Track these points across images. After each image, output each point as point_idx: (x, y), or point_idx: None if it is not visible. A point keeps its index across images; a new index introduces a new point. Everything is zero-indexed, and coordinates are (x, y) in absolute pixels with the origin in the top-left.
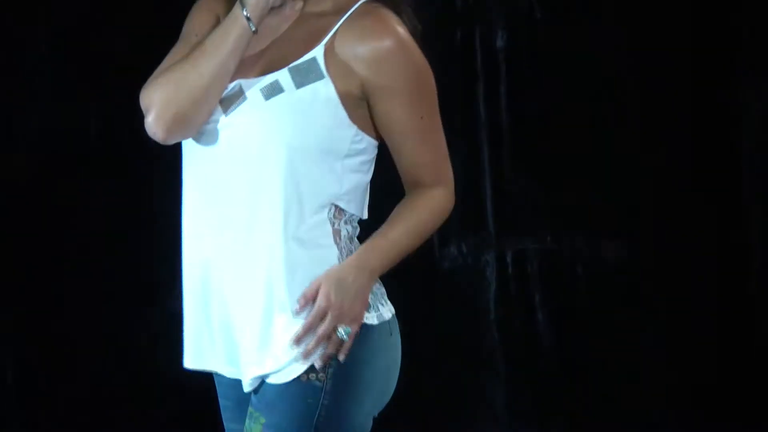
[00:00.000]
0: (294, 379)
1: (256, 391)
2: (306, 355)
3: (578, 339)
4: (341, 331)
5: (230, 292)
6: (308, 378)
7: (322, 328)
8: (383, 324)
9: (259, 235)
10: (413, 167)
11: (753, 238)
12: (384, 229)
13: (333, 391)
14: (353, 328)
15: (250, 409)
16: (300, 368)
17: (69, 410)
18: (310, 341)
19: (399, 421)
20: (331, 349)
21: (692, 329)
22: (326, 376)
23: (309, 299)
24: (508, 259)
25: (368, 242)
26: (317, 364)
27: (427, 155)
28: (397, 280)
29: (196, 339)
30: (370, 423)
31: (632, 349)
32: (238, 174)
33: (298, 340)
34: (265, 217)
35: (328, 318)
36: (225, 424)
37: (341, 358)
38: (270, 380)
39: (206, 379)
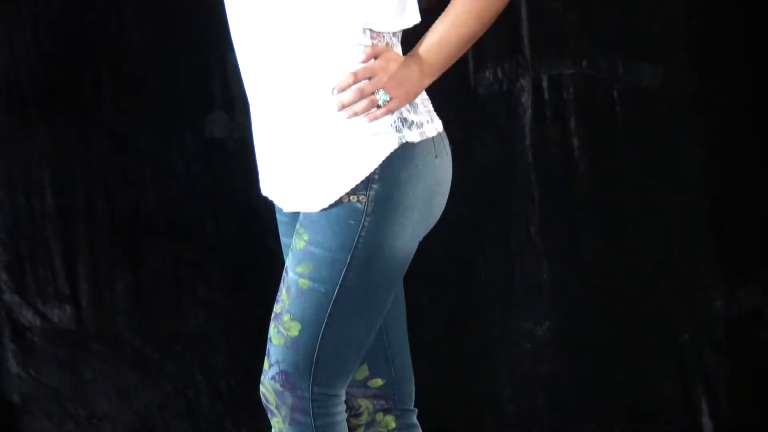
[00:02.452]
0: (336, 201)
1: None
2: (340, 107)
3: (614, 164)
4: (381, 94)
5: (274, 126)
6: (349, 200)
7: (365, 84)
8: (426, 142)
9: (291, 68)
10: None
11: None
12: (437, 25)
13: (374, 213)
14: (392, 104)
15: (297, 226)
16: (342, 190)
17: None
18: (351, 96)
19: (430, 245)
20: (363, 106)
21: (731, 148)
22: (367, 199)
23: (359, 78)
24: (544, 85)
25: (422, 40)
26: (347, 113)
27: None
28: (433, 104)
29: (261, 169)
30: (415, 246)
31: (668, 171)
32: (262, 15)
33: (341, 89)
34: (294, 55)
35: (375, 78)
36: (281, 238)
37: (368, 119)
38: (315, 205)
39: None
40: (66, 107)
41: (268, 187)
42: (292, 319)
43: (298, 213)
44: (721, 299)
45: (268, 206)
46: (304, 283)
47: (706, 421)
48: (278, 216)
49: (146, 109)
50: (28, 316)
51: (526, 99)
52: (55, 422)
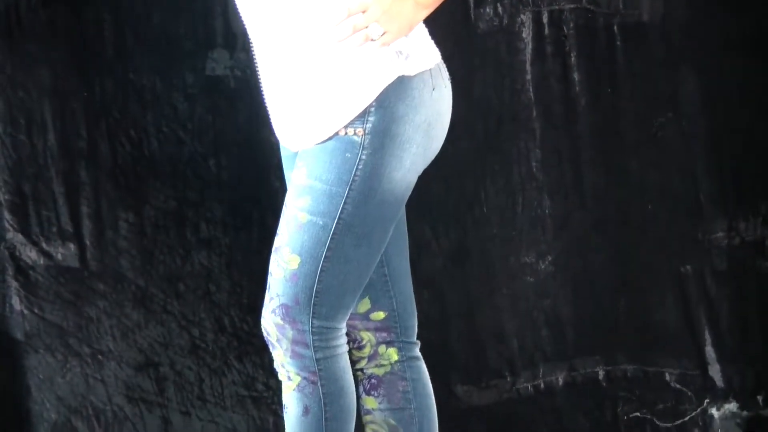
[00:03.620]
0: (333, 134)
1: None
2: (334, 41)
3: (614, 99)
4: (375, 27)
5: (273, 64)
6: (346, 133)
7: (359, 18)
8: (423, 74)
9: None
10: None
11: None
12: None
13: (371, 146)
14: (386, 37)
15: (296, 160)
16: (338, 124)
17: None
18: (347, 28)
19: (432, 180)
20: (357, 40)
21: (731, 80)
22: (364, 131)
23: (352, 12)
24: (544, 20)
25: None
26: (345, 43)
27: None
28: (434, 40)
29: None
30: (414, 179)
31: (668, 104)
32: None
33: (335, 24)
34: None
35: (368, 12)
36: (285, 172)
37: (362, 53)
38: (313, 139)
39: None
40: (67, 46)
41: (275, 125)
42: (292, 252)
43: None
44: (722, 231)
45: (271, 143)
46: (303, 216)
47: (710, 351)
48: (282, 151)
49: (147, 47)
50: (31, 255)
51: (526, 34)
52: (59, 359)
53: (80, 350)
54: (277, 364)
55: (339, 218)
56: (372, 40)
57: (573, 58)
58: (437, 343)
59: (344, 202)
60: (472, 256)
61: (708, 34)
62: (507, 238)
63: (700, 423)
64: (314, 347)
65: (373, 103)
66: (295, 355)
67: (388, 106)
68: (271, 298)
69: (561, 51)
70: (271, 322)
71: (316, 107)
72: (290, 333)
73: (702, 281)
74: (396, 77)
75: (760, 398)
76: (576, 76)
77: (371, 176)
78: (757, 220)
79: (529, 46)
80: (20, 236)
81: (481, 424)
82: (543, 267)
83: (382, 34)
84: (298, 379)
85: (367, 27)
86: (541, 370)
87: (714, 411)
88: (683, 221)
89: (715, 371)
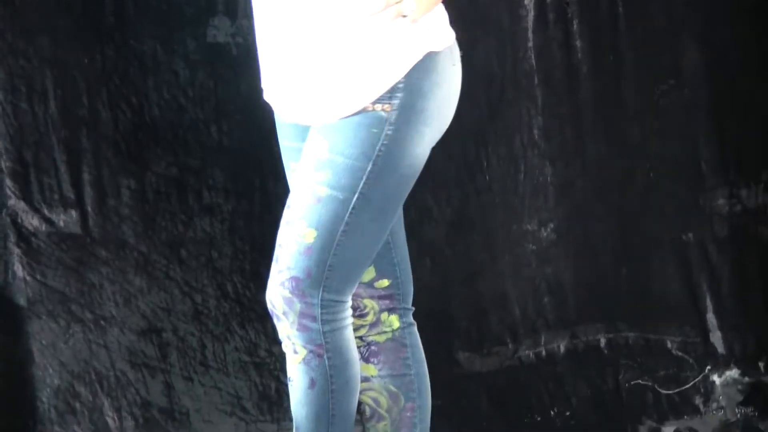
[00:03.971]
0: (360, 110)
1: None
2: (365, 16)
3: (616, 66)
4: (408, 3)
5: (288, 34)
6: (374, 108)
7: None
8: (446, 50)
9: None
10: None
11: None
12: None
13: (397, 122)
14: (417, 13)
15: (312, 133)
16: (367, 99)
17: None
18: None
19: (435, 148)
20: (390, 15)
21: (733, 47)
22: (391, 107)
23: None
24: None
25: None
26: (377, 18)
27: None
28: None
29: (265, 76)
30: (428, 154)
31: (670, 71)
32: None
33: None
34: None
35: None
36: (280, 141)
37: (388, 20)
38: (337, 114)
39: None
40: (68, 14)
41: (272, 95)
42: (308, 226)
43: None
44: (723, 198)
45: (271, 111)
46: (322, 190)
47: (711, 318)
48: (277, 120)
49: (148, 14)
50: (33, 222)
51: (528, 1)
52: (62, 325)
53: (83, 316)
54: (282, 336)
55: (360, 193)
56: (404, 16)
57: (575, 26)
58: (439, 310)
59: (366, 177)
60: (474, 223)
61: (710, 3)
62: (509, 205)
63: (702, 390)
64: (321, 320)
65: (402, 79)
66: (302, 328)
67: (416, 82)
68: (280, 271)
69: (563, 18)
70: (278, 294)
71: (343, 82)
72: (298, 306)
73: (703, 248)
74: (425, 53)
75: (761, 364)
76: (578, 43)
77: (394, 151)
78: (759, 187)
79: (531, 14)
80: (22, 203)
81: (482, 391)
82: (545, 234)
83: (414, 10)
84: (304, 352)
85: (399, 2)
86: (543, 338)
87: (715, 378)
88: (685, 189)
89: (716, 338)
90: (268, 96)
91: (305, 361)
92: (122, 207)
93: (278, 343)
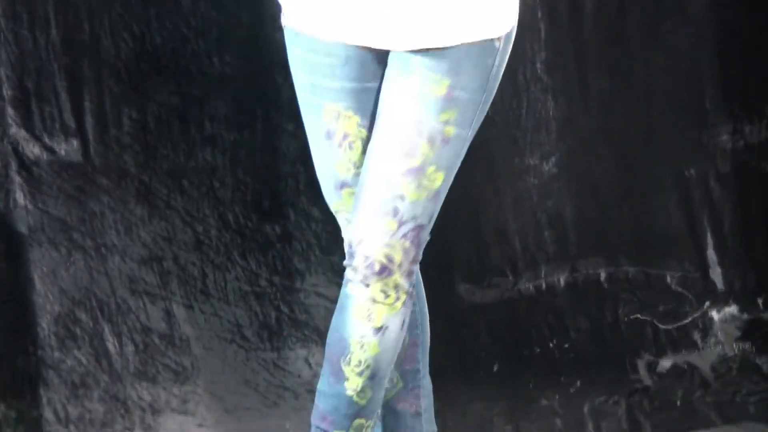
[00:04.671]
0: (485, 39)
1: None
2: None
3: (620, 2)
4: None
5: None
6: (492, 39)
7: None
8: None
9: None
10: None
11: None
12: None
13: (503, 52)
14: None
15: (418, 70)
16: (495, 31)
17: None
18: None
19: None
20: None
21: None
22: (502, 37)
23: None
24: None
25: None
26: None
27: None
28: None
29: None
30: None
31: (674, 6)
32: None
33: None
34: None
35: None
36: (311, 101)
37: None
38: (455, 40)
39: None
40: None
41: (323, 15)
42: (437, 170)
43: (353, 53)
44: (727, 134)
45: (275, 40)
46: (449, 130)
47: (711, 254)
48: (308, 53)
49: None
50: (34, 150)
51: None
52: (63, 253)
53: (84, 244)
54: (387, 288)
55: (472, 127)
56: None
57: None
58: (440, 243)
59: (479, 110)
60: (475, 156)
61: None
62: (511, 139)
63: (700, 325)
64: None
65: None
66: (410, 273)
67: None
68: (403, 222)
69: None
70: (398, 248)
71: (477, 7)
72: (413, 253)
73: (705, 184)
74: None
75: (760, 301)
76: None
77: (494, 84)
78: (762, 122)
79: None
80: (23, 131)
81: (481, 323)
82: (547, 168)
83: None
84: (404, 297)
85: None
86: (543, 271)
87: (714, 314)
88: (688, 125)
89: (716, 274)
90: (299, 20)
91: (405, 305)
92: (123, 136)
93: (278, 273)
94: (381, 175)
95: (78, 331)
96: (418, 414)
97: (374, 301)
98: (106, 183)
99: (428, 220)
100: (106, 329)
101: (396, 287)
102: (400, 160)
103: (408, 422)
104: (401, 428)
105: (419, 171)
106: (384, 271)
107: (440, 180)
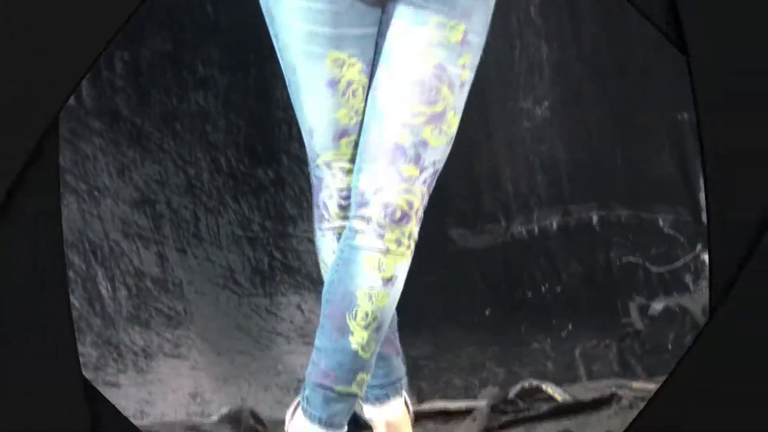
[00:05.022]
0: None
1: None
2: None
3: None
4: None
5: None
6: None
7: None
8: None
9: None
10: None
11: None
12: None
13: None
14: None
15: (434, 19)
16: None
17: None
18: None
19: None
20: None
21: None
22: None
23: None
24: None
25: None
26: None
27: None
28: None
29: None
30: None
31: None
32: None
33: None
34: None
35: None
36: (311, 50)
37: None
38: None
39: None
40: None
41: None
42: (456, 114)
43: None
44: None
45: None
46: (465, 74)
47: (703, 198)
48: (317, 4)
49: None
50: None
51: None
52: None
53: (77, 186)
54: (402, 237)
55: (475, 69)
56: None
57: None
58: (433, 188)
59: (481, 52)
60: (468, 99)
61: None
62: (504, 82)
63: (692, 268)
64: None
65: None
66: (420, 220)
67: None
68: (424, 168)
69: None
70: (418, 195)
71: None
72: (426, 198)
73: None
74: None
75: None
76: None
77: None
78: None
79: None
80: None
81: (474, 268)
82: (540, 113)
83: None
84: (413, 245)
85: None
86: (536, 215)
87: (705, 257)
88: (681, 70)
89: None
90: None
91: (412, 252)
92: (116, 79)
93: (271, 218)
94: (402, 122)
95: (71, 274)
96: (398, 354)
97: (387, 251)
98: (98, 126)
99: (442, 164)
100: (99, 273)
101: (410, 235)
102: (422, 107)
103: (394, 364)
104: (390, 371)
105: (440, 117)
106: (404, 218)
107: (456, 124)
